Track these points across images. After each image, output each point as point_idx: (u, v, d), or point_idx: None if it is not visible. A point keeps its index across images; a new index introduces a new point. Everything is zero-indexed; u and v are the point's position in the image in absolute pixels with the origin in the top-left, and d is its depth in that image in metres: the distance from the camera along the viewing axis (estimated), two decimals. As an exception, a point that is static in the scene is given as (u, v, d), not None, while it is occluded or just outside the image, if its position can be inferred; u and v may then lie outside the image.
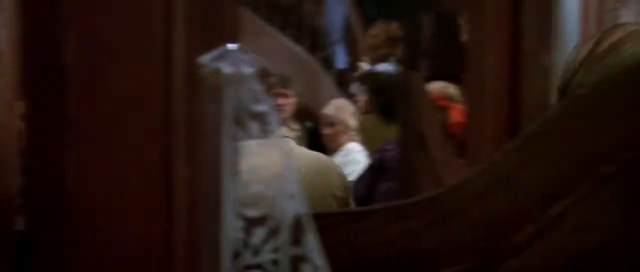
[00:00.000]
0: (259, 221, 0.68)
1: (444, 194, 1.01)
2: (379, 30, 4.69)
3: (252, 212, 0.68)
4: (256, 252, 0.68)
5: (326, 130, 3.47)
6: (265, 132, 0.68)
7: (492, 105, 2.02)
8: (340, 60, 5.84)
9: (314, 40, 5.92)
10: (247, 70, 0.70)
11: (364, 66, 5.03)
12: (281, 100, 3.41)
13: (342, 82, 5.67)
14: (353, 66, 5.51)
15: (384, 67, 4.63)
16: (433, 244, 0.96)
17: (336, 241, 0.90)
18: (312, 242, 0.66)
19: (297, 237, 0.67)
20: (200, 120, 0.70)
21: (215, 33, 0.80)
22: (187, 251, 0.68)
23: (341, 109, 3.57)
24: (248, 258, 0.69)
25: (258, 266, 0.68)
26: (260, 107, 0.68)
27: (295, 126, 3.11)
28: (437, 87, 2.81)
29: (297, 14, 6.02)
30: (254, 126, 0.69)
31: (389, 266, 0.96)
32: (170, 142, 0.69)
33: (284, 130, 3.44)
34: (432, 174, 1.55)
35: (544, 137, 1.01)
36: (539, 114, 2.04)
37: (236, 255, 0.70)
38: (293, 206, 0.67)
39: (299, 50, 5.92)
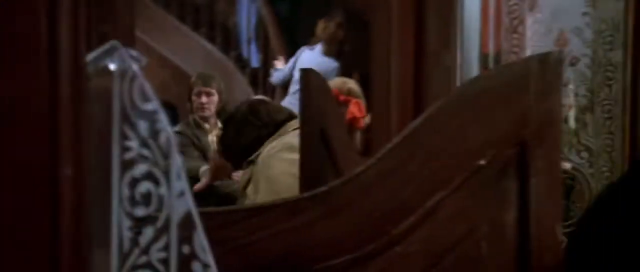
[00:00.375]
0: (148, 220, 0.68)
1: (336, 187, 1.06)
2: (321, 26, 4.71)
3: (140, 212, 0.68)
4: (145, 251, 0.68)
5: None
6: (154, 131, 0.68)
7: (397, 101, 2.07)
8: (254, 59, 5.84)
9: (227, 39, 5.89)
10: (135, 67, 0.69)
11: (278, 64, 5.04)
12: (204, 99, 3.40)
13: (256, 81, 5.67)
14: (266, 65, 5.52)
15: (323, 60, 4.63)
16: (326, 236, 1.02)
17: (234, 238, 0.93)
18: (201, 241, 0.67)
19: (186, 235, 0.67)
20: (86, 120, 0.69)
21: (105, 29, 0.79)
22: (74, 252, 0.67)
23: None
24: (137, 258, 0.68)
25: (147, 265, 0.67)
26: (149, 106, 0.68)
27: (220, 124, 3.10)
28: (336, 83, 2.86)
29: (209, 13, 5.98)
30: (142, 125, 0.69)
31: (284, 259, 1.00)
32: (55, 142, 0.67)
33: (207, 128, 3.42)
34: (335, 170, 1.59)
35: (425, 133, 1.07)
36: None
37: (126, 255, 0.69)
38: (182, 204, 0.67)
39: (212, 49, 5.88)
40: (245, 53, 5.86)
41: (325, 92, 1.69)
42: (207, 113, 3.44)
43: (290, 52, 5.20)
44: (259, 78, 5.61)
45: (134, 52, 0.70)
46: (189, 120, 3.48)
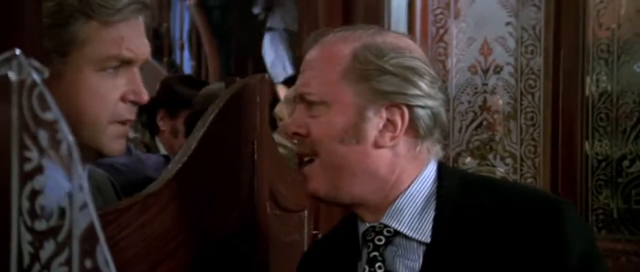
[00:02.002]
0: (49, 233, 0.65)
1: (167, 184, 1.28)
2: None
3: (41, 225, 0.66)
4: (46, 266, 0.65)
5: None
6: (54, 141, 0.66)
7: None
8: (186, 65, 5.78)
9: (160, 46, 5.81)
10: (36, 76, 0.67)
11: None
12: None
13: (188, 88, 5.60)
14: (199, 71, 5.47)
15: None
16: (162, 227, 1.24)
17: (110, 237, 0.97)
18: (104, 254, 0.65)
19: (88, 249, 0.65)
20: (-17, 130, 0.66)
21: (8, 37, 0.76)
22: (-31, 269, 0.64)
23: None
24: (37, 273, 0.66)
25: (48, 281, 0.65)
26: (49, 115, 0.66)
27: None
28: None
29: (146, 18, 5.87)
30: (43, 135, 0.66)
31: (139, 255, 1.18)
32: (-51, 153, 0.64)
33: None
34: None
35: (206, 136, 1.38)
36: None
37: (26, 270, 0.67)
38: (85, 217, 0.65)
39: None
40: (178, 60, 5.79)
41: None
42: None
43: (222, 59, 5.17)
44: (191, 84, 5.55)
45: (35, 63, 0.67)
46: None
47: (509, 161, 2.44)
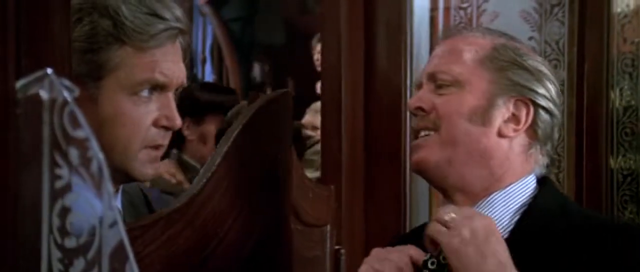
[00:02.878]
0: (78, 251, 0.66)
1: (191, 198, 1.29)
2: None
3: (71, 242, 0.66)
4: (76, 283, 0.66)
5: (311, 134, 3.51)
6: (85, 159, 0.66)
7: (347, 121, 2.08)
8: (208, 78, 5.82)
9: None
10: (67, 94, 0.68)
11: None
12: None
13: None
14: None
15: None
16: (187, 243, 1.26)
17: (136, 253, 0.99)
18: (133, 271, 0.65)
19: (118, 267, 0.65)
20: (15, 148, 0.67)
21: (39, 55, 0.77)
22: (0, 285, 0.65)
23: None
24: (67, 290, 0.66)
25: (77, 298, 0.66)
26: (80, 133, 0.66)
27: None
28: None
29: (184, 41, 5.91)
30: (73, 152, 0.67)
31: (164, 269, 1.19)
32: (-18, 171, 0.65)
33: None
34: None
35: (234, 151, 1.37)
36: (391, 130, 2.12)
37: (56, 287, 0.67)
38: (114, 234, 0.65)
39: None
40: (199, 73, 5.83)
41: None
42: None
43: (243, 72, 5.19)
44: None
45: (66, 82, 0.68)
46: None
47: (532, 175, 2.42)
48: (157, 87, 1.20)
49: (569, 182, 2.41)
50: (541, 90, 1.36)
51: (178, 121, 1.23)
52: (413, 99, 1.38)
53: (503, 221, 1.31)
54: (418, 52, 2.23)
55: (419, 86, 1.42)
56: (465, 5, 2.30)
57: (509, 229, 1.31)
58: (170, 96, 1.23)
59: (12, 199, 0.66)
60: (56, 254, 0.66)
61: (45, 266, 0.66)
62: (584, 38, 2.33)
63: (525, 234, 1.29)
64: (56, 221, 0.67)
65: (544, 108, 1.36)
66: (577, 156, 2.39)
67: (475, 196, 1.34)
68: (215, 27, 5.56)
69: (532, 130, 1.35)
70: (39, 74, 0.68)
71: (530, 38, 2.35)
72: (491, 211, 1.32)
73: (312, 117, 3.73)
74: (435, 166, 1.33)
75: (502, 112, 1.34)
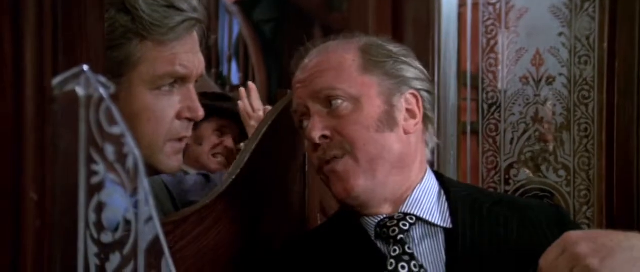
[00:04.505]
0: (115, 246, 0.67)
1: (220, 196, 1.31)
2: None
3: (107, 237, 0.67)
4: (112, 278, 0.67)
5: None
6: (121, 155, 0.67)
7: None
8: (234, 76, 5.83)
9: (208, 57, 5.88)
10: (103, 91, 0.68)
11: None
12: None
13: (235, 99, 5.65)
14: (245, 83, 5.52)
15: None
16: (217, 238, 1.27)
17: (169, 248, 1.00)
18: (169, 267, 0.66)
19: (154, 262, 0.66)
20: (52, 144, 0.68)
21: (74, 52, 0.78)
22: (38, 279, 0.66)
23: None
24: (104, 284, 0.67)
25: (114, 293, 0.66)
26: (116, 129, 0.67)
27: None
28: None
29: (201, 31, 5.94)
30: (109, 149, 0.68)
31: (194, 267, 1.19)
32: (20, 167, 0.66)
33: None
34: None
35: (259, 153, 1.39)
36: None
37: (92, 282, 0.68)
38: (150, 230, 0.66)
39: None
40: (225, 71, 5.85)
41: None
42: None
43: (269, 71, 5.20)
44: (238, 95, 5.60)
45: (102, 78, 0.69)
46: None
47: (562, 172, 2.40)
48: (178, 80, 1.20)
49: (598, 180, 2.38)
50: (415, 74, 1.36)
51: (201, 112, 1.23)
52: (311, 130, 1.31)
53: (434, 212, 1.32)
54: (446, 49, 2.21)
55: (303, 114, 1.37)
56: (494, 1, 2.28)
57: (448, 219, 1.31)
58: (191, 87, 1.23)
59: (50, 195, 0.67)
60: (93, 249, 0.67)
61: (82, 260, 0.67)
62: (614, 34, 2.29)
63: (468, 219, 1.30)
64: (92, 216, 0.67)
65: (424, 90, 1.37)
66: (608, 153, 2.36)
67: (400, 200, 1.33)
68: (242, 26, 5.58)
69: (423, 116, 1.36)
70: (75, 70, 0.68)
71: (560, 34, 2.32)
72: (419, 208, 1.31)
73: None
74: (364, 188, 1.30)
75: (401, 110, 1.33)
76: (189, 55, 1.21)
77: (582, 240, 1.07)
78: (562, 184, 2.40)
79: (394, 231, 1.29)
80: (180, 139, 1.22)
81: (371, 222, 1.33)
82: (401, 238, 1.27)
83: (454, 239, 1.28)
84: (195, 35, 1.25)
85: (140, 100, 1.16)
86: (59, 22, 0.71)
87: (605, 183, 2.36)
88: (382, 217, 1.32)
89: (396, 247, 1.27)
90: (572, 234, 1.09)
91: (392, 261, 1.24)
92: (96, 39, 0.83)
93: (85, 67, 0.68)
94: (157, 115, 1.17)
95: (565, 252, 1.07)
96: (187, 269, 1.23)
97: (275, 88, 4.93)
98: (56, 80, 0.68)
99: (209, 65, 5.83)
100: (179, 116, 1.21)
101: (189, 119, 1.22)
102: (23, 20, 0.68)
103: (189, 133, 1.25)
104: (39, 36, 0.69)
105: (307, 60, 1.39)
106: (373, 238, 1.32)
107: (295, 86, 1.38)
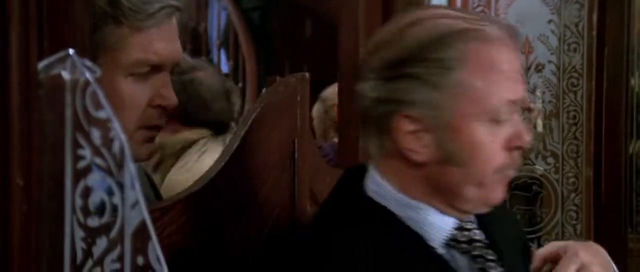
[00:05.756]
0: (101, 230, 0.67)
1: (209, 183, 1.31)
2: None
3: (93, 222, 0.67)
4: (99, 262, 0.66)
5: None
6: (107, 139, 0.67)
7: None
8: (223, 65, 5.82)
9: (197, 45, 5.86)
10: (89, 75, 0.68)
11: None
12: None
13: (226, 87, 5.64)
14: (236, 71, 5.50)
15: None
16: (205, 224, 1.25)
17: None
18: (156, 251, 0.66)
19: (140, 246, 0.66)
20: (38, 129, 0.67)
21: (60, 37, 0.78)
22: (24, 263, 0.65)
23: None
24: (90, 269, 0.67)
25: (101, 277, 0.66)
26: (102, 114, 0.67)
27: None
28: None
29: (179, 18, 5.93)
30: (95, 133, 0.67)
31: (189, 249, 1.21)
32: (6, 152, 0.66)
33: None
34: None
35: (252, 137, 1.39)
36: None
37: (79, 266, 0.68)
38: (136, 214, 0.66)
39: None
40: (215, 59, 5.84)
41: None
42: None
43: (260, 59, 5.20)
44: (228, 84, 5.59)
45: (88, 62, 0.69)
46: None
47: (550, 160, 2.41)
48: (153, 67, 1.18)
49: (587, 167, 2.39)
50: None
51: (174, 100, 1.21)
52: (526, 133, 1.17)
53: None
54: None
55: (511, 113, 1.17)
56: (483, -12, 2.28)
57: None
58: (166, 75, 1.22)
59: (37, 180, 0.66)
60: (79, 233, 0.67)
61: (69, 244, 0.67)
62: (604, 21, 2.30)
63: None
64: (79, 201, 0.67)
65: None
66: (596, 140, 2.37)
67: None
68: (231, 13, 5.56)
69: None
70: (61, 55, 0.68)
71: (550, 21, 2.32)
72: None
73: (318, 104, 3.72)
74: None
75: None
76: (164, 43, 1.19)
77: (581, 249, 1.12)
78: (550, 172, 2.42)
79: (469, 242, 1.21)
80: (152, 127, 1.20)
81: (440, 234, 1.20)
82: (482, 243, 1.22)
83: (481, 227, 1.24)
84: (174, 23, 1.23)
85: (112, 85, 1.14)
86: (44, 6, 0.71)
87: (593, 170, 2.37)
88: (457, 225, 1.21)
89: (479, 254, 1.21)
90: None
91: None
92: (82, 23, 0.82)
93: (71, 51, 0.68)
94: (129, 102, 1.16)
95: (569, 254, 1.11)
96: (176, 255, 1.23)
97: (265, 75, 4.93)
98: (42, 65, 0.68)
99: (198, 54, 5.82)
100: (151, 104, 1.19)
101: (163, 107, 1.21)
102: (8, 5, 0.68)
103: (162, 122, 1.23)
104: (25, 21, 0.68)
105: (506, 47, 1.16)
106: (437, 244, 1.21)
107: (509, 73, 1.15)
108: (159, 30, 1.18)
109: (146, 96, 1.18)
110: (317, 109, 3.45)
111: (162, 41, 1.18)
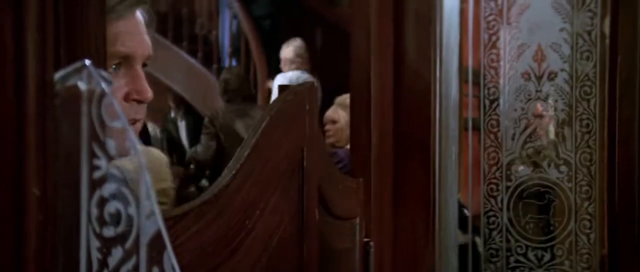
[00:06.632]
0: (117, 240, 0.67)
1: (221, 191, 1.31)
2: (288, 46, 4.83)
3: (109, 232, 0.67)
4: (114, 272, 0.66)
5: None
6: (122, 149, 0.67)
7: (376, 115, 2.07)
8: (235, 72, 5.83)
9: (209, 53, 5.88)
10: (104, 85, 0.68)
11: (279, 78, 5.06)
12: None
13: (236, 94, 5.64)
14: (247, 78, 5.51)
15: (296, 75, 4.74)
16: (215, 234, 1.28)
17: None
18: (171, 261, 0.65)
19: (156, 256, 0.66)
20: (54, 139, 0.68)
21: (75, 46, 0.78)
22: (40, 274, 0.66)
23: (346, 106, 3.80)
24: (106, 279, 0.67)
25: (116, 287, 0.66)
26: (117, 124, 0.67)
27: None
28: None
29: (191, 26, 5.97)
30: (111, 143, 0.67)
31: (194, 263, 1.21)
32: (22, 162, 0.66)
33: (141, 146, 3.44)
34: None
35: (261, 146, 1.39)
36: (420, 123, 2.11)
37: (94, 276, 0.68)
38: (152, 224, 0.66)
39: (193, 62, 5.87)
40: (227, 65, 5.85)
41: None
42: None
43: (271, 66, 5.20)
44: (239, 91, 5.59)
45: (103, 73, 0.69)
46: None
47: (563, 168, 2.39)
48: (123, 60, 1.19)
49: (601, 176, 2.37)
50: None
51: (149, 93, 1.22)
52: None
53: None
54: (447, 44, 2.21)
55: None
56: (495, -4, 2.27)
57: None
58: (138, 69, 1.22)
59: (52, 190, 0.66)
60: (95, 243, 0.67)
61: (84, 254, 0.67)
62: (616, 30, 2.29)
63: None
64: (94, 211, 0.67)
65: None
66: (609, 149, 2.36)
67: None
68: (242, 21, 5.58)
69: None
70: (77, 65, 0.68)
71: (562, 29, 2.31)
72: None
73: (333, 111, 3.75)
74: None
75: None
76: (131, 35, 1.21)
77: None
78: (563, 180, 2.40)
79: None
80: (131, 122, 1.21)
81: None
82: None
83: None
84: (139, 16, 1.25)
85: None
86: (60, 15, 0.71)
87: (606, 179, 2.36)
88: None
89: None
90: None
91: None
92: (98, 32, 0.82)
93: (87, 62, 0.68)
94: None
95: None
96: (189, 263, 1.23)
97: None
98: (58, 75, 0.68)
99: (210, 61, 5.83)
100: (126, 98, 1.20)
101: (139, 101, 1.22)
102: (25, 13, 0.68)
103: (140, 115, 1.24)
104: (41, 30, 0.69)
105: None
106: None
107: None
108: (125, 23, 1.19)
109: (121, 91, 1.19)
110: (342, 114, 3.49)
111: (129, 33, 1.20)
